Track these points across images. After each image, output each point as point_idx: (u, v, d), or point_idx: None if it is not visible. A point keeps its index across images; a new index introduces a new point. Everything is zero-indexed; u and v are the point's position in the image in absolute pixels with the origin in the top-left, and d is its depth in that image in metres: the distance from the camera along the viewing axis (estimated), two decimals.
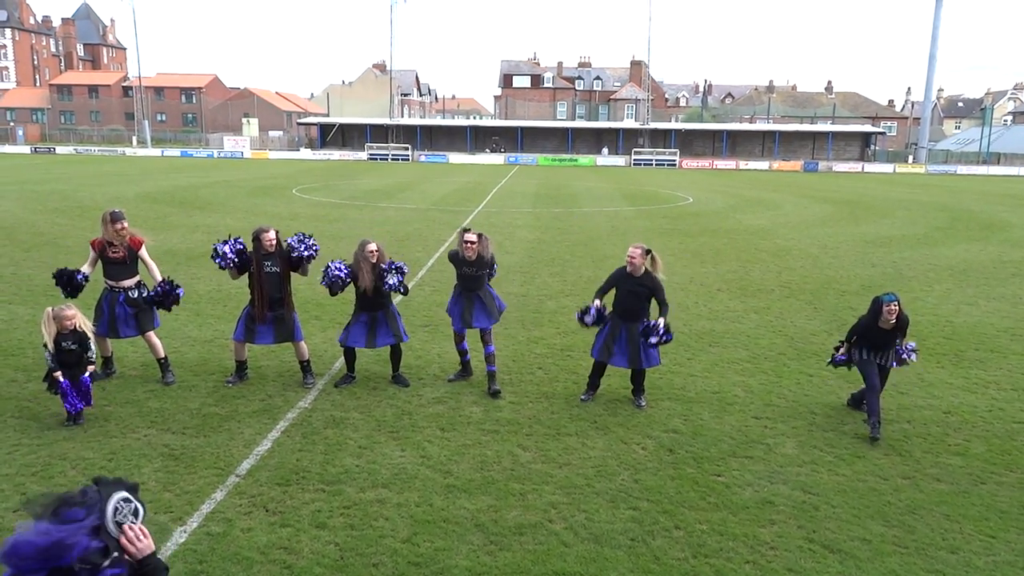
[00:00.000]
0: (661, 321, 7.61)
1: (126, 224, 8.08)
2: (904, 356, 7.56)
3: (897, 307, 7.23)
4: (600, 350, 7.97)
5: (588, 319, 7.96)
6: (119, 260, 8.11)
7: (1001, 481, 6.41)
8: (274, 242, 8.06)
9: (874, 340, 7.42)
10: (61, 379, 6.88)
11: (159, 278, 8.23)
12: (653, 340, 7.60)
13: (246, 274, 8.19)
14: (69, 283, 8.05)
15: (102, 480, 2.55)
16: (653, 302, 7.77)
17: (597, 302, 7.94)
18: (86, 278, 8.10)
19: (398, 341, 8.34)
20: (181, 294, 8.32)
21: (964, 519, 5.76)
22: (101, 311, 8.14)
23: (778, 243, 20.29)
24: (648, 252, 7.74)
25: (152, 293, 8.22)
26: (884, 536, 5.48)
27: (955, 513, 5.84)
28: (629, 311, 7.78)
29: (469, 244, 8.16)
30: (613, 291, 7.96)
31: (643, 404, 7.95)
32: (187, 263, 15.42)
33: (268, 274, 8.04)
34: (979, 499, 6.08)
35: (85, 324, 7.13)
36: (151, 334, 8.29)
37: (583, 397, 8.14)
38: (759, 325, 11.45)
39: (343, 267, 8.13)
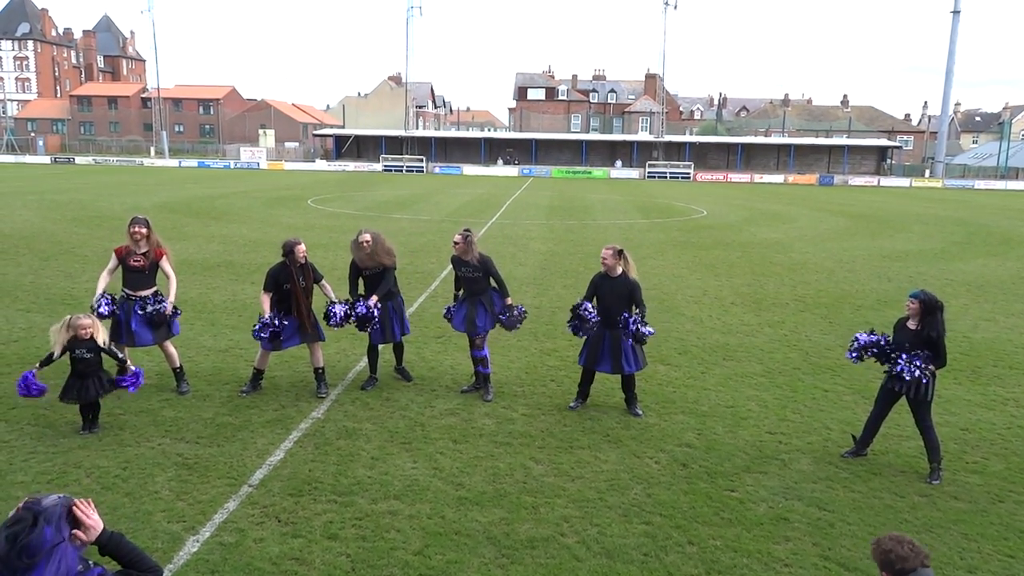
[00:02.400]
0: (638, 318, 7.74)
1: (141, 229, 8.10)
2: (917, 372, 6.44)
3: (917, 305, 6.52)
4: (586, 357, 8.05)
5: (583, 314, 7.88)
6: (139, 269, 8.17)
7: (1020, 500, 6.32)
8: (305, 254, 8.14)
9: (898, 341, 6.72)
10: (31, 374, 6.85)
11: (173, 294, 8.32)
12: (630, 327, 7.60)
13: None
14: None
15: (31, 498, 2.67)
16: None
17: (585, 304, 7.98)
18: (111, 302, 8.16)
19: (405, 333, 8.71)
20: (174, 311, 8.43)
21: (982, 538, 5.68)
22: (118, 320, 8.18)
23: (793, 257, 20.19)
24: (620, 252, 7.83)
25: (154, 311, 8.21)
26: None
27: (973, 532, 5.76)
28: (611, 316, 7.82)
29: (454, 244, 8.41)
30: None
31: (639, 412, 8.01)
32: (203, 272, 15.53)
33: (302, 289, 8.13)
34: (997, 518, 5.99)
35: (100, 335, 7.12)
36: (168, 343, 8.35)
37: (572, 405, 8.19)
38: (773, 339, 11.38)
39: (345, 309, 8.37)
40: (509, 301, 8.54)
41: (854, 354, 6.98)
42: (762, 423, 7.92)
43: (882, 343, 6.82)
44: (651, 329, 7.82)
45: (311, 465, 6.58)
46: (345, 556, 5.18)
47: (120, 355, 7.29)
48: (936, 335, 6.50)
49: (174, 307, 8.35)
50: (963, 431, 7.85)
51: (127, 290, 8.21)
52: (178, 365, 8.41)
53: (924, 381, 6.48)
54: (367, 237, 8.35)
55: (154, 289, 8.32)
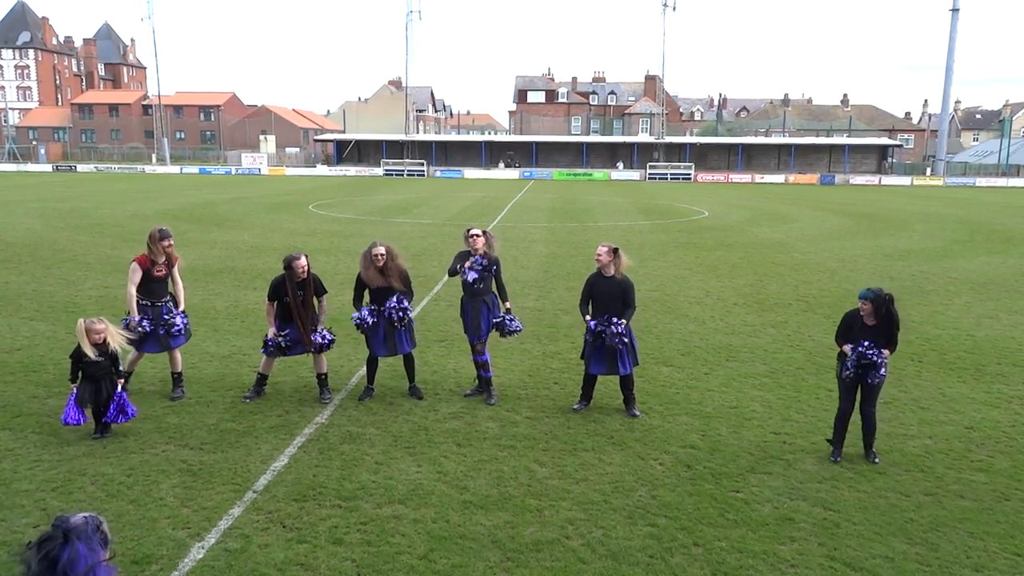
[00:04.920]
0: (623, 322, 7.80)
1: (173, 242, 8.27)
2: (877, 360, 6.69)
3: (869, 306, 6.63)
4: (586, 359, 8.11)
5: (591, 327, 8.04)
6: (163, 278, 8.29)
7: None
8: (305, 269, 8.10)
9: (860, 336, 6.79)
10: (73, 390, 6.99)
11: (182, 299, 8.48)
12: (612, 331, 7.70)
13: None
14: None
15: (59, 519, 2.60)
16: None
17: (589, 319, 7.99)
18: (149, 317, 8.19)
19: (414, 346, 8.52)
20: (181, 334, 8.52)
21: (988, 536, 5.67)
22: (146, 331, 8.10)
23: (795, 256, 20.17)
24: (615, 251, 7.86)
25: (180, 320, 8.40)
26: (907, 554, 5.40)
27: (979, 530, 5.74)
28: (606, 316, 7.88)
29: (475, 236, 8.32)
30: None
31: (637, 413, 8.04)
32: (205, 279, 15.54)
33: (300, 302, 8.14)
34: (1004, 516, 5.98)
35: (114, 339, 7.13)
36: (176, 350, 8.45)
37: (575, 407, 8.21)
38: (776, 339, 11.37)
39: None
40: (508, 306, 8.53)
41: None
42: (766, 424, 7.91)
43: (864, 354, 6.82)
44: (628, 337, 7.89)
45: (315, 470, 6.58)
46: (350, 561, 5.18)
47: (123, 369, 7.31)
48: (896, 328, 6.75)
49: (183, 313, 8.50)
50: (968, 429, 7.83)
51: (149, 299, 8.18)
52: (179, 370, 8.46)
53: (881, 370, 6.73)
54: (381, 250, 8.21)
55: (169, 295, 8.47)
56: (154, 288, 8.22)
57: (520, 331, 8.61)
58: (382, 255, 8.18)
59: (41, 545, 2.46)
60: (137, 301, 8.09)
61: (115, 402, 7.04)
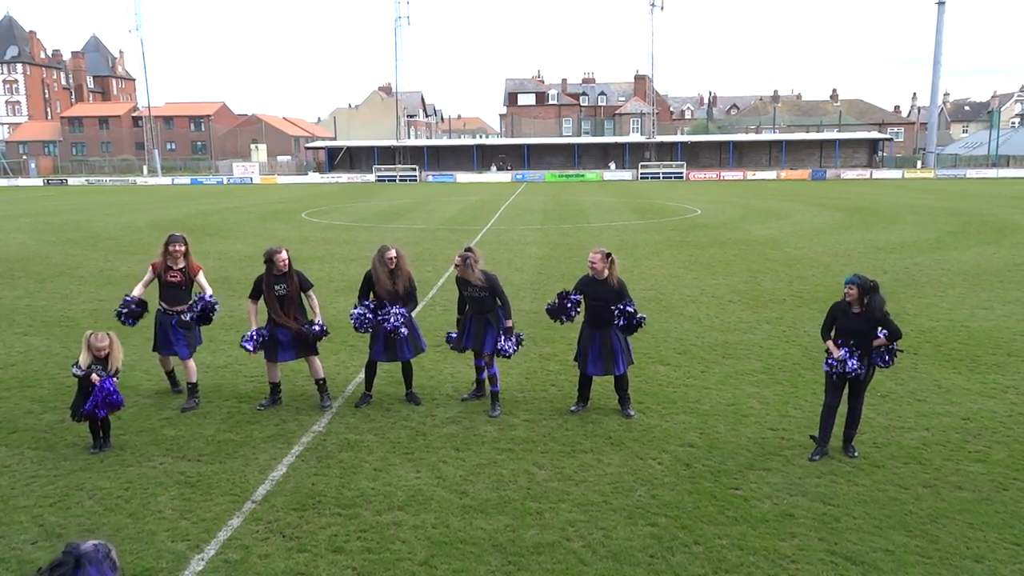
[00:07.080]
0: (629, 309, 7.89)
1: (180, 248, 8.40)
2: (887, 358, 6.81)
3: (855, 291, 6.66)
4: (580, 360, 8.11)
5: (567, 305, 8.14)
6: (177, 284, 8.41)
7: None
8: (286, 262, 8.15)
9: (845, 327, 6.81)
10: (95, 378, 6.87)
11: (209, 293, 8.58)
12: (622, 319, 7.81)
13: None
14: (130, 314, 8.38)
15: (70, 545, 2.57)
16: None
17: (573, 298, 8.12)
18: (138, 304, 8.38)
19: (417, 353, 8.45)
20: (219, 309, 8.76)
21: (988, 527, 5.68)
22: (159, 331, 8.43)
23: (788, 252, 20.22)
24: (608, 255, 7.89)
25: (197, 308, 8.48)
26: (907, 546, 5.41)
27: (978, 521, 5.76)
28: (599, 318, 7.91)
29: (455, 265, 8.33)
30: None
31: (631, 413, 8.02)
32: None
33: (279, 297, 8.14)
34: (1003, 506, 5.99)
35: (116, 358, 7.09)
36: (190, 360, 8.48)
37: (573, 408, 8.20)
38: (772, 335, 11.39)
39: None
40: (510, 324, 8.21)
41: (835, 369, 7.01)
42: (764, 420, 7.92)
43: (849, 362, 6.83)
44: (642, 314, 7.98)
45: (314, 479, 6.56)
46: (351, 569, 5.17)
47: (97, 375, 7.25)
48: (881, 314, 6.70)
49: (211, 302, 8.52)
50: (964, 420, 7.85)
51: (164, 304, 8.41)
52: (194, 380, 8.50)
53: (864, 368, 6.75)
54: (392, 253, 8.20)
55: (190, 304, 8.54)
56: (167, 294, 8.41)
57: (509, 355, 8.16)
58: (393, 258, 8.21)
59: (53, 570, 2.45)
60: (159, 307, 8.45)
61: (95, 395, 6.86)
